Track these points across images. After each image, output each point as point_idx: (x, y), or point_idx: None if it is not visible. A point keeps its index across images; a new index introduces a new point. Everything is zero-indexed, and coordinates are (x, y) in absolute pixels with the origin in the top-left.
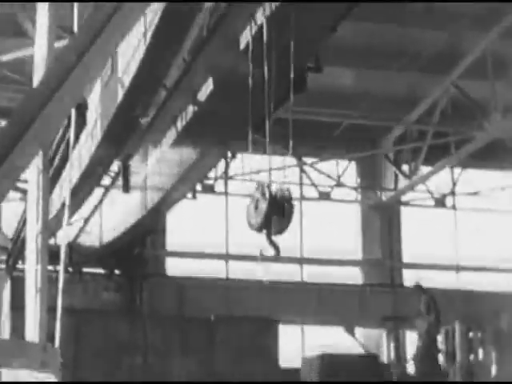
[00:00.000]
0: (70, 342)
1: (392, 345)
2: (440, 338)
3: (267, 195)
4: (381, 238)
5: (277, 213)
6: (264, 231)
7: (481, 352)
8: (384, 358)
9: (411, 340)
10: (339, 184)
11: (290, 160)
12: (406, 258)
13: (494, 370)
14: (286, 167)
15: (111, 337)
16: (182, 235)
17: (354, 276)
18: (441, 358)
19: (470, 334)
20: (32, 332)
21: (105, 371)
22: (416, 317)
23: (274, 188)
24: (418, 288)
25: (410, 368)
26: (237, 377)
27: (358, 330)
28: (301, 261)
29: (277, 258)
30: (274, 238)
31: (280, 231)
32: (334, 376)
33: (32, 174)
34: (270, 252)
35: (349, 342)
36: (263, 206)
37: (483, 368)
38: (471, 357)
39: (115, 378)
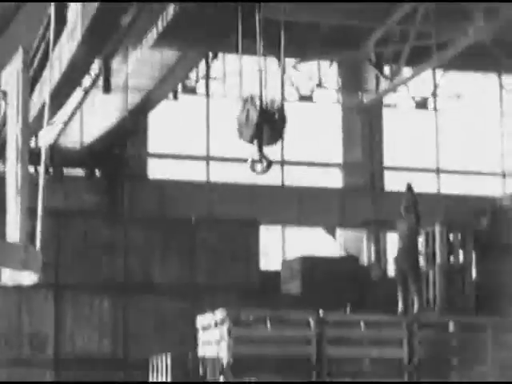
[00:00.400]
0: (51, 244)
1: (372, 247)
2: (420, 240)
3: (258, 105)
4: (362, 140)
5: (268, 123)
6: (255, 142)
7: (461, 254)
8: (364, 260)
9: (392, 242)
10: (320, 85)
11: (271, 61)
12: (387, 161)
13: (474, 272)
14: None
15: (92, 238)
16: (163, 137)
17: (334, 179)
18: (421, 259)
19: (451, 236)
20: (13, 233)
21: (86, 273)
22: (397, 219)
23: (265, 98)
24: (410, 189)
25: (390, 270)
26: (217, 279)
27: (339, 233)
28: (282, 163)
29: (267, 170)
30: (265, 149)
31: (271, 142)
32: (314, 278)
33: (12, 74)
34: (261, 163)
35: (329, 244)
36: (254, 116)
37: (463, 270)
38: (451, 259)
39: (96, 280)
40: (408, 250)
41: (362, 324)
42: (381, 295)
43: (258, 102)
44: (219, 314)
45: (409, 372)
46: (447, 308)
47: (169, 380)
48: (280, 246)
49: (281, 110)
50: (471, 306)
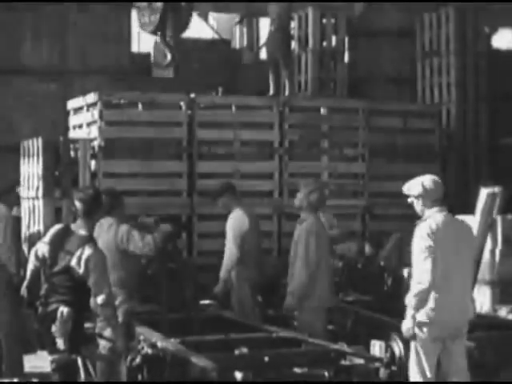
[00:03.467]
0: None
1: (244, 30)
2: (293, 25)
3: None
4: None
5: (174, 9)
6: (159, 33)
7: (334, 39)
8: (236, 44)
9: (264, 26)
10: None
11: None
12: None
13: (346, 56)
14: None
15: None
16: None
17: None
18: (293, 43)
19: (324, 21)
20: None
21: None
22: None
23: None
24: None
25: (262, 54)
26: (88, 62)
27: (212, 16)
28: None
29: (172, 63)
30: (169, 40)
31: (179, 32)
32: (185, 61)
33: None
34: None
35: (202, 28)
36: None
37: (335, 54)
38: (324, 43)
39: None
40: (280, 34)
41: (233, 107)
42: (252, 79)
43: None
44: (90, 97)
45: (279, 154)
46: (319, 91)
47: (40, 163)
48: None
49: None
50: (343, 90)
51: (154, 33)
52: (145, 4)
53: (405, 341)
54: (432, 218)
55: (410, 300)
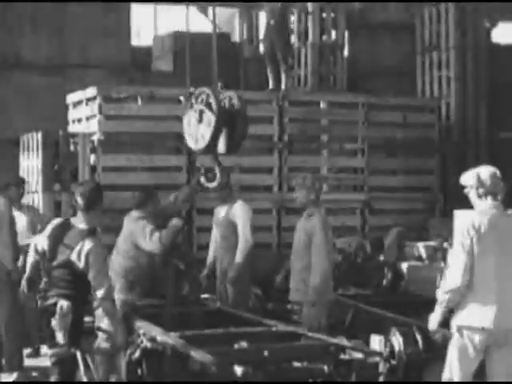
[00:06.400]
0: None
1: (244, 24)
2: (292, 19)
3: (214, 104)
4: None
5: (228, 125)
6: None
7: (333, 33)
8: (236, 37)
9: (264, 19)
10: None
11: None
12: None
13: (346, 50)
14: None
15: None
16: None
17: None
18: (292, 37)
19: (323, 15)
20: None
21: None
22: None
23: (221, 95)
24: None
25: (261, 48)
26: (88, 56)
27: (211, 10)
28: None
29: (221, 185)
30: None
31: (232, 149)
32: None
33: None
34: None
35: (201, 21)
36: (211, 117)
37: (335, 48)
38: (324, 37)
39: None
40: (279, 27)
41: None
42: (252, 72)
43: (213, 100)
44: (90, 91)
45: (279, 149)
46: (319, 86)
47: (40, 157)
48: (152, 24)
49: (241, 108)
50: (343, 84)
51: (206, 151)
52: (196, 117)
53: (404, 335)
54: (479, 213)
55: (439, 296)
